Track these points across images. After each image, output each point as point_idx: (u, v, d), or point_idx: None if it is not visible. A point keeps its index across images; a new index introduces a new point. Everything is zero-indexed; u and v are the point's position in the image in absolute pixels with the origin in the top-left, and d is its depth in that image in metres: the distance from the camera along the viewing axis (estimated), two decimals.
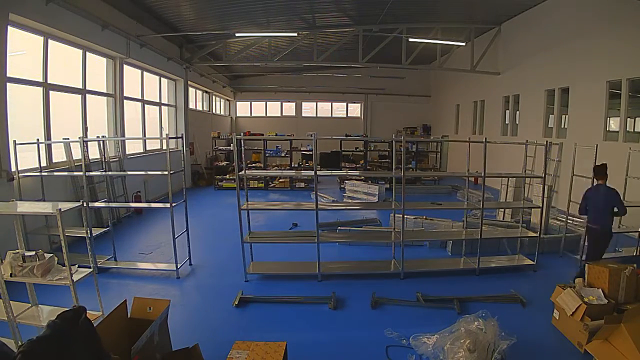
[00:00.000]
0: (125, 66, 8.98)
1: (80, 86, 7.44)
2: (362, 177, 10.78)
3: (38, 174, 5.52)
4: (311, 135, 4.86)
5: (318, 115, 20.65)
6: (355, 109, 20.84)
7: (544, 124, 10.36)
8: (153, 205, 6.32)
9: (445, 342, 3.23)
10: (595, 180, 4.98)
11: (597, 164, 5.05)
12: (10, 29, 5.42)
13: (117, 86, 8.68)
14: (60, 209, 2.97)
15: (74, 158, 6.68)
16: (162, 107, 11.57)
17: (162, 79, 11.55)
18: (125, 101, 8.97)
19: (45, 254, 3.28)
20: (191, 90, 13.61)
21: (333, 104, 20.69)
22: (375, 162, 14.63)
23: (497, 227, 6.52)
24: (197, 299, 4.60)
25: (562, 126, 10.12)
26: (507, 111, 12.53)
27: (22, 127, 6.06)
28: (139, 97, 9.99)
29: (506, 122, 12.71)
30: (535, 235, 5.51)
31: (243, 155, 6.36)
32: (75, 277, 3.17)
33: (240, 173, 4.88)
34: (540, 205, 5.76)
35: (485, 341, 3.13)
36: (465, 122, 15.48)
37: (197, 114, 14.39)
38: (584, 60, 8.65)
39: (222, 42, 12.00)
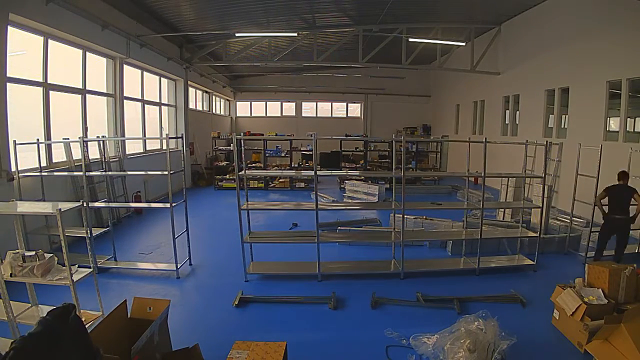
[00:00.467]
0: (125, 66, 8.98)
1: (80, 86, 7.44)
2: (362, 177, 10.78)
3: (38, 174, 5.52)
4: (311, 135, 4.86)
5: (318, 115, 20.66)
6: (355, 109, 20.84)
7: (544, 124, 10.36)
8: (153, 205, 6.32)
9: (445, 342, 3.23)
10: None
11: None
12: (10, 29, 5.42)
13: (117, 86, 8.68)
14: (60, 209, 2.97)
15: (74, 158, 6.68)
16: (162, 107, 11.57)
17: (162, 79, 11.55)
18: (125, 101, 8.97)
19: (45, 254, 3.28)
20: (191, 90, 13.61)
21: (333, 104, 20.69)
22: (375, 162, 14.63)
23: (497, 227, 6.52)
24: (197, 299, 4.60)
25: (562, 126, 10.12)
26: (507, 111, 12.53)
27: (22, 127, 6.06)
28: (139, 97, 9.99)
29: (506, 122, 12.71)
30: (535, 235, 5.51)
31: (243, 155, 6.36)
32: (75, 277, 3.17)
33: (240, 173, 4.88)
34: (540, 205, 5.76)
35: (486, 341, 3.13)
36: (465, 122, 15.48)
37: (197, 114, 14.39)
38: (584, 60, 8.65)
39: (222, 42, 12.00)
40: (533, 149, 7.84)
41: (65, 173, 6.29)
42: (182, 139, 6.22)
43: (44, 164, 6.06)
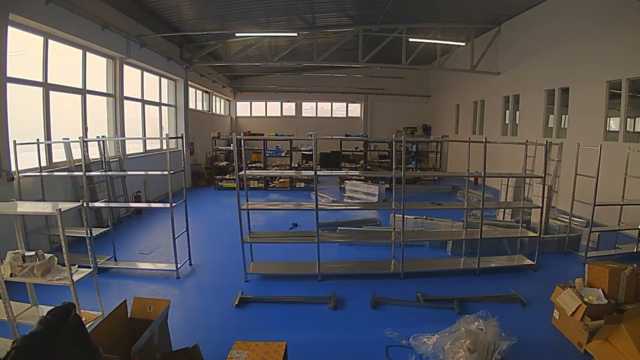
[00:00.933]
0: (125, 66, 8.98)
1: (80, 86, 7.44)
2: (362, 177, 10.78)
3: (38, 174, 5.52)
4: (311, 135, 4.86)
5: (318, 115, 20.66)
6: (355, 109, 20.84)
7: (544, 124, 10.36)
8: (153, 205, 6.32)
9: (446, 342, 3.23)
10: None
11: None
12: (10, 29, 5.42)
13: (117, 86, 8.67)
14: (60, 209, 2.97)
15: (74, 158, 6.68)
16: (162, 107, 11.57)
17: (162, 79, 11.55)
18: (125, 101, 8.97)
19: (45, 254, 3.28)
20: (191, 90, 13.61)
21: (333, 104, 20.69)
22: (375, 162, 14.62)
23: (497, 227, 6.52)
24: (197, 299, 4.60)
25: (562, 126, 10.11)
26: (507, 111, 12.53)
27: (22, 127, 6.06)
28: (139, 97, 9.99)
29: (506, 122, 12.70)
30: (535, 235, 5.51)
31: (243, 155, 6.36)
32: (75, 277, 3.17)
33: (240, 173, 4.88)
34: (540, 205, 5.76)
35: (486, 341, 3.13)
36: (465, 122, 15.47)
37: (197, 114, 14.39)
38: (584, 60, 8.64)
39: (222, 42, 12.00)
40: (533, 149, 7.85)
41: (65, 173, 6.29)
42: (182, 139, 6.22)
43: (44, 164, 6.06)
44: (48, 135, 6.55)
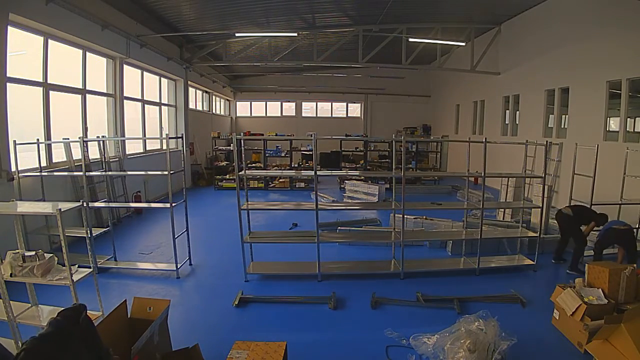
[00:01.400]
0: (125, 66, 8.98)
1: (80, 86, 7.44)
2: (362, 177, 10.78)
3: (38, 174, 5.52)
4: (311, 135, 4.86)
5: (318, 115, 20.66)
6: (355, 109, 20.84)
7: (544, 124, 10.37)
8: (153, 205, 6.32)
9: (446, 342, 3.23)
10: None
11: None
12: (10, 29, 5.42)
13: (117, 86, 8.67)
14: (60, 209, 2.97)
15: (74, 158, 6.68)
16: (162, 107, 11.57)
17: (162, 79, 11.55)
18: (125, 101, 8.97)
19: (45, 254, 3.28)
20: (191, 90, 13.61)
21: (333, 104, 20.69)
22: (375, 162, 14.62)
23: (497, 227, 6.52)
24: (197, 299, 4.60)
25: (562, 126, 10.12)
26: (507, 111, 12.53)
27: (22, 127, 6.07)
28: (139, 97, 9.99)
29: (506, 122, 12.71)
30: (535, 235, 5.52)
31: (243, 155, 6.36)
32: (75, 277, 3.17)
33: (240, 173, 4.88)
34: (540, 205, 5.76)
35: (486, 341, 3.13)
36: (465, 122, 15.48)
37: (197, 114, 14.39)
38: (584, 60, 8.64)
39: (222, 42, 12.00)
40: (533, 149, 7.85)
41: (65, 173, 6.29)
42: (182, 139, 6.22)
43: (44, 164, 6.06)
44: (48, 135, 6.55)
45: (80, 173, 5.25)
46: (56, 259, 3.35)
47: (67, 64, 7.20)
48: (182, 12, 9.67)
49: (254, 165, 13.23)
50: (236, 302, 4.28)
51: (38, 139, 5.68)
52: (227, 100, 19.36)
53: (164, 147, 10.09)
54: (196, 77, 13.61)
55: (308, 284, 4.87)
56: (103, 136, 7.88)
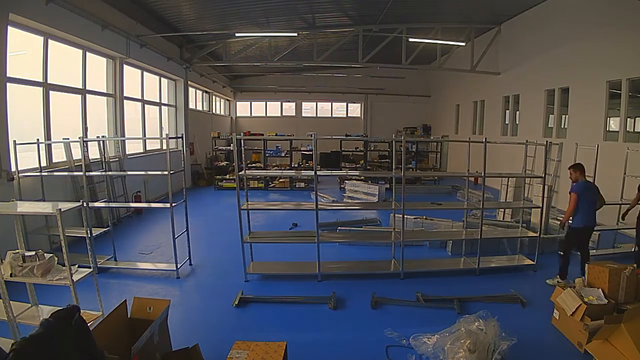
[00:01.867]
0: (125, 66, 8.98)
1: (80, 86, 7.44)
2: (362, 177, 10.78)
3: (38, 174, 5.52)
4: (311, 135, 4.86)
5: (318, 115, 20.67)
6: (355, 109, 20.85)
7: (544, 124, 10.37)
8: (153, 205, 6.32)
9: (446, 342, 3.23)
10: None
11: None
12: (10, 29, 5.42)
13: (117, 86, 8.67)
14: (60, 209, 2.97)
15: (74, 158, 6.68)
16: (162, 107, 11.57)
17: (162, 79, 11.55)
18: (125, 101, 8.97)
19: (45, 254, 3.28)
20: (191, 90, 13.61)
21: (333, 104, 20.70)
22: (375, 162, 14.63)
23: (498, 227, 6.52)
24: (197, 299, 4.60)
25: (562, 126, 10.12)
26: (507, 111, 12.53)
27: (22, 127, 6.07)
28: (139, 97, 9.99)
29: (506, 122, 12.71)
30: (535, 235, 5.52)
31: (243, 155, 6.36)
32: (75, 277, 3.17)
33: (240, 173, 4.88)
34: (540, 205, 5.76)
35: (486, 341, 3.13)
36: (465, 122, 15.48)
37: (197, 114, 14.39)
38: (584, 60, 8.65)
39: (222, 42, 12.00)
40: (533, 149, 7.84)
41: (65, 173, 6.29)
42: (182, 139, 6.22)
43: (44, 164, 6.06)
44: (48, 135, 6.55)
45: (80, 173, 5.26)
46: (56, 259, 3.35)
47: (67, 64, 7.20)
48: (182, 12, 9.67)
49: (254, 165, 13.23)
50: (236, 302, 4.28)
51: (38, 139, 5.68)
52: (227, 100, 19.36)
53: (164, 147, 10.09)
54: (196, 77, 13.61)
55: (308, 284, 4.87)
56: (103, 136, 7.88)
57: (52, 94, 6.61)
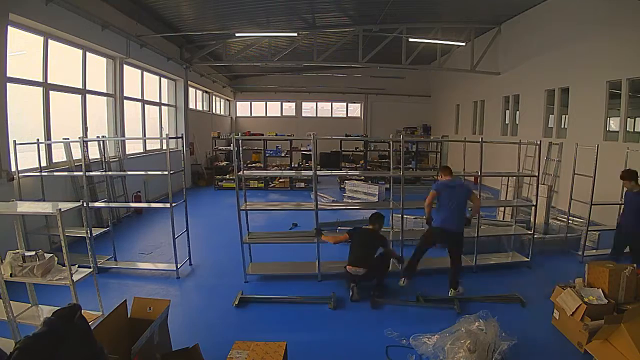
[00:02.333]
0: (125, 66, 8.98)
1: (80, 86, 7.44)
2: (362, 177, 10.78)
3: (38, 174, 5.52)
4: (311, 136, 4.86)
5: (318, 115, 20.66)
6: (355, 109, 20.84)
7: (544, 124, 10.36)
8: (153, 205, 6.32)
9: (446, 342, 3.23)
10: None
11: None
12: (10, 29, 5.42)
13: (117, 86, 8.67)
14: (60, 209, 2.97)
15: (74, 158, 6.68)
16: (162, 107, 11.57)
17: (162, 79, 11.55)
18: (125, 101, 8.97)
19: (45, 254, 3.28)
20: (191, 90, 13.61)
21: (333, 104, 20.69)
22: (375, 162, 14.62)
23: (497, 226, 6.54)
24: (197, 299, 4.61)
25: (562, 126, 10.12)
26: (507, 111, 12.53)
27: (22, 127, 6.07)
28: (139, 97, 9.99)
29: (506, 122, 12.70)
30: (529, 232, 5.56)
31: (242, 155, 6.36)
32: (75, 277, 3.17)
33: (239, 173, 4.88)
34: (535, 204, 5.76)
35: (486, 342, 3.13)
36: (465, 122, 15.47)
37: (197, 114, 14.39)
38: (584, 60, 8.64)
39: (222, 42, 12.00)
40: (533, 149, 7.84)
41: (65, 173, 6.29)
42: (182, 139, 6.24)
43: (44, 164, 6.06)
44: (48, 135, 6.55)
45: (80, 173, 5.26)
46: (56, 259, 3.35)
47: (67, 64, 7.20)
48: (182, 12, 9.67)
49: (254, 165, 13.22)
50: (236, 302, 4.28)
51: (38, 139, 5.69)
52: (227, 100, 19.36)
53: (164, 147, 10.09)
54: (196, 77, 13.61)
55: (308, 284, 4.87)
56: (103, 136, 7.87)
57: (52, 94, 6.61)
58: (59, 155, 6.70)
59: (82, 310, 3.22)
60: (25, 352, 1.87)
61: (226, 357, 2.78)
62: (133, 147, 9.68)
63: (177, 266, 5.07)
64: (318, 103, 20.53)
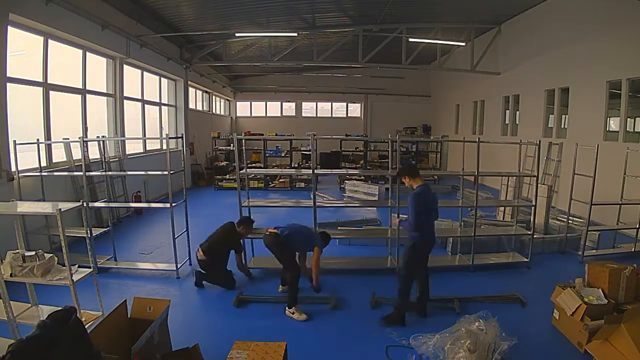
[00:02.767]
0: (125, 66, 8.98)
1: (80, 86, 7.44)
2: (362, 177, 10.78)
3: (38, 174, 5.51)
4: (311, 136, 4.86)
5: (318, 115, 20.65)
6: (355, 109, 20.84)
7: (544, 124, 10.36)
8: (153, 205, 6.32)
9: (446, 342, 3.23)
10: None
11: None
12: (10, 29, 5.42)
13: (117, 86, 8.67)
14: (60, 209, 2.97)
15: (74, 158, 6.68)
16: (162, 107, 11.57)
17: (162, 79, 11.54)
18: (125, 101, 8.97)
19: (45, 254, 3.28)
20: (191, 90, 13.61)
21: (333, 104, 20.68)
22: (375, 162, 14.63)
23: (497, 226, 6.54)
24: (197, 299, 4.60)
25: (562, 126, 10.11)
26: (507, 111, 12.53)
27: (22, 127, 6.06)
28: (139, 97, 9.98)
29: (506, 122, 12.70)
30: (529, 232, 5.57)
31: (243, 155, 6.37)
32: (75, 277, 3.17)
33: (240, 172, 4.89)
34: (535, 204, 5.76)
35: (486, 342, 3.13)
36: (465, 122, 15.47)
37: (197, 114, 14.39)
38: (584, 60, 8.64)
39: (222, 42, 11.99)
40: (533, 149, 7.84)
41: (65, 173, 6.29)
42: (182, 139, 6.23)
43: (44, 164, 6.05)
44: (48, 135, 6.55)
45: (80, 173, 5.26)
46: (56, 259, 3.35)
47: (67, 64, 7.20)
48: (182, 12, 9.67)
49: (254, 165, 13.21)
50: (236, 302, 4.28)
51: (38, 139, 5.68)
52: (227, 100, 19.35)
53: (164, 147, 10.09)
54: (196, 77, 13.60)
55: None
56: (103, 136, 7.87)
57: (52, 94, 6.61)
58: (59, 155, 6.70)
59: (82, 310, 3.25)
60: (17, 356, 1.86)
61: (226, 357, 2.78)
62: (133, 147, 9.67)
63: (177, 266, 5.07)
64: (318, 103, 20.52)
